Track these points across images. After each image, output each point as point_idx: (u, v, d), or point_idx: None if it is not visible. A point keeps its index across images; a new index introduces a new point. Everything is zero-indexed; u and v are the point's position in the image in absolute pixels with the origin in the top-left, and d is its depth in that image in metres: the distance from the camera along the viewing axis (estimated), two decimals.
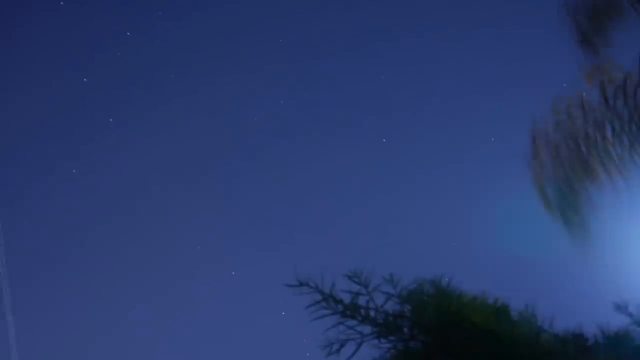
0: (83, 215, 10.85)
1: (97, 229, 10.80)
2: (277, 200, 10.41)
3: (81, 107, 10.68)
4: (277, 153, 10.55)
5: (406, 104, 10.06)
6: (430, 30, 9.81)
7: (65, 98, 10.62)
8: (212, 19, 10.45)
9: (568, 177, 5.34)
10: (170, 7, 10.49)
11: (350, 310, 3.00)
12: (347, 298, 3.03)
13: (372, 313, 3.00)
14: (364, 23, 10.01)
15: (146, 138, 10.79)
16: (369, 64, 10.12)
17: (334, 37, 10.16)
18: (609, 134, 5.29)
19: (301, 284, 3.04)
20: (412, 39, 9.91)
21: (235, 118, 10.60)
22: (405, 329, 2.98)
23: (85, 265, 10.79)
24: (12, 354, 9.40)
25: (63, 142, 10.93)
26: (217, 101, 10.62)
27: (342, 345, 2.96)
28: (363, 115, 10.20)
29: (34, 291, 10.62)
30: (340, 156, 10.29)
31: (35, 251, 10.78)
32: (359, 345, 2.97)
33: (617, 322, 2.99)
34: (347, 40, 10.16)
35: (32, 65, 10.59)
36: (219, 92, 10.55)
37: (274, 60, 10.35)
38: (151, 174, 10.76)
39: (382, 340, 2.98)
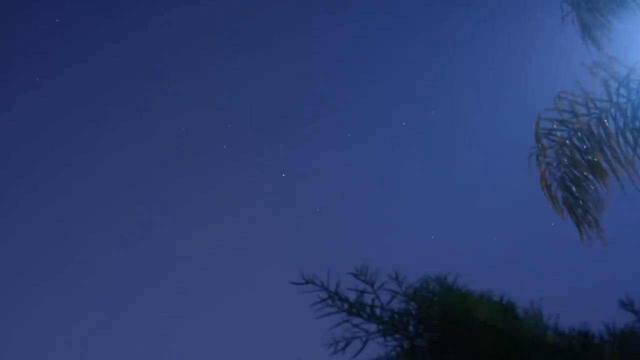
0: (80, 214, 10.87)
1: (90, 228, 10.82)
2: (282, 198, 10.41)
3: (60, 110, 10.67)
4: (281, 150, 10.55)
5: (408, 100, 10.06)
6: (433, 24, 9.80)
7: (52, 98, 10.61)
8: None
9: (573, 174, 5.33)
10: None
11: (356, 308, 3.00)
12: (352, 296, 3.03)
13: (377, 311, 3.00)
14: (367, 18, 10.00)
15: (143, 138, 10.80)
16: (380, 64, 10.12)
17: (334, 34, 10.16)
18: (612, 129, 5.27)
19: (307, 282, 3.05)
20: (415, 33, 9.90)
21: (238, 115, 10.60)
22: (411, 327, 2.98)
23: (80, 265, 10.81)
24: None
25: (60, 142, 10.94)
26: (218, 100, 10.62)
27: (347, 343, 2.96)
28: (371, 113, 10.20)
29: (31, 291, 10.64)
30: (346, 154, 10.29)
31: (32, 251, 10.81)
32: (365, 343, 2.97)
33: (623, 319, 2.99)
34: (354, 38, 10.16)
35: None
36: (233, 88, 10.53)
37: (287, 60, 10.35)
38: (150, 173, 10.77)
39: (388, 338, 2.98)
